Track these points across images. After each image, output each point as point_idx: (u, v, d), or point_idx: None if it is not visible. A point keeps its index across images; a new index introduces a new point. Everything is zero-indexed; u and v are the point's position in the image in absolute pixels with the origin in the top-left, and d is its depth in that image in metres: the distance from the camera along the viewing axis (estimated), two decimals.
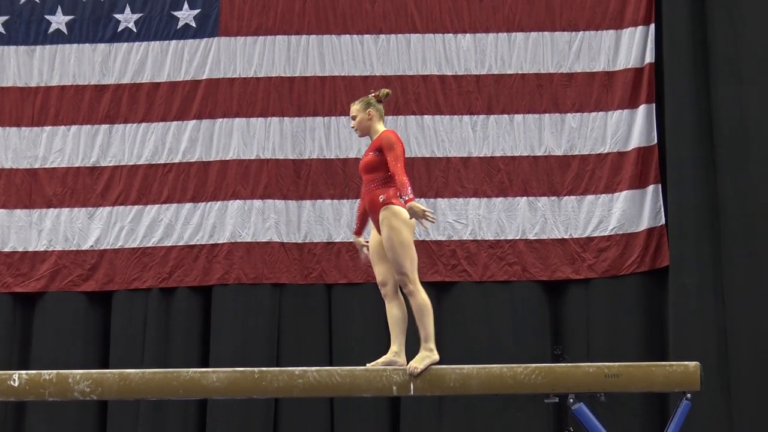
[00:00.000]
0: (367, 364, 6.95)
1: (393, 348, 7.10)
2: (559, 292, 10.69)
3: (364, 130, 7.33)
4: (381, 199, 7.07)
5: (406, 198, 6.84)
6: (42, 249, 10.88)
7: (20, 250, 10.90)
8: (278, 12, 11.10)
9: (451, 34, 11.00)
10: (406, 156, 10.49)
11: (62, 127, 11.09)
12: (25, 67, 11.20)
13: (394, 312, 7.23)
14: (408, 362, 6.94)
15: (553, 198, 10.74)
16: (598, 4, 10.92)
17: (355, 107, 7.34)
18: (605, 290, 10.57)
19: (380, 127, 7.28)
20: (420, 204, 6.83)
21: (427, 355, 6.89)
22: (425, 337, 6.97)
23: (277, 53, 11.06)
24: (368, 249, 7.31)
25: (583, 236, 10.66)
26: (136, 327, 10.72)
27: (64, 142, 11.05)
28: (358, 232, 7.47)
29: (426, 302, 7.01)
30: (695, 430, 9.37)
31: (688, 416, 6.55)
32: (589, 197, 10.70)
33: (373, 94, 7.37)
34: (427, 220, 6.83)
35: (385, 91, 7.44)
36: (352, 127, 7.36)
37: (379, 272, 7.24)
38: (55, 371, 6.69)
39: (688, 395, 6.50)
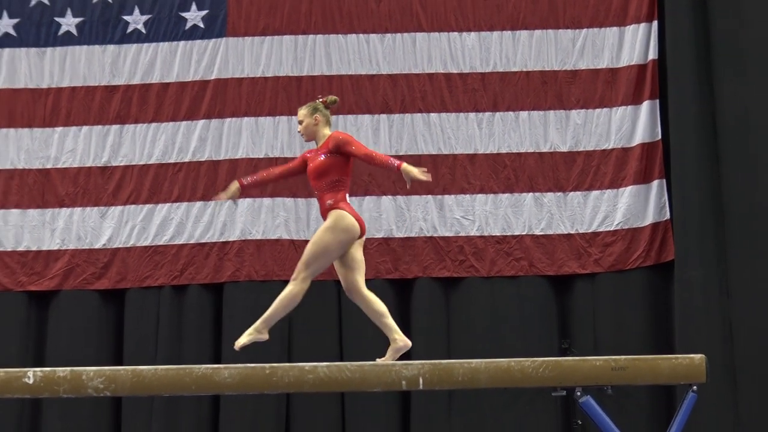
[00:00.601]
0: (378, 360, 6.95)
1: (393, 336, 7.25)
2: (566, 287, 10.66)
3: (310, 135, 7.41)
4: (328, 204, 7.18)
5: (396, 163, 6.96)
6: (55, 248, 10.88)
7: (34, 249, 10.89)
8: (285, 12, 11.08)
9: (456, 33, 10.98)
10: (412, 153, 10.56)
11: (73, 127, 11.08)
12: (36, 68, 11.19)
13: (371, 309, 7.32)
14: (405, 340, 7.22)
15: (558, 194, 10.72)
16: (601, 2, 10.90)
17: (302, 112, 7.44)
18: (611, 284, 10.54)
19: (326, 132, 7.35)
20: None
21: (254, 330, 7.22)
22: (266, 316, 7.25)
23: (284, 53, 11.05)
24: (234, 198, 7.54)
25: (589, 231, 10.63)
26: (148, 324, 10.72)
27: (75, 143, 11.04)
28: (243, 184, 7.50)
29: (294, 295, 7.15)
30: (702, 422, 9.35)
31: (694, 408, 6.50)
32: (595, 193, 10.67)
33: (320, 100, 7.44)
34: (424, 177, 6.91)
35: (332, 97, 7.52)
36: (299, 132, 7.45)
37: (342, 279, 7.32)
38: (69, 368, 6.64)
39: (694, 387, 6.45)
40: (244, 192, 7.58)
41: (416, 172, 6.90)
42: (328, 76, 10.99)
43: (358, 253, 7.31)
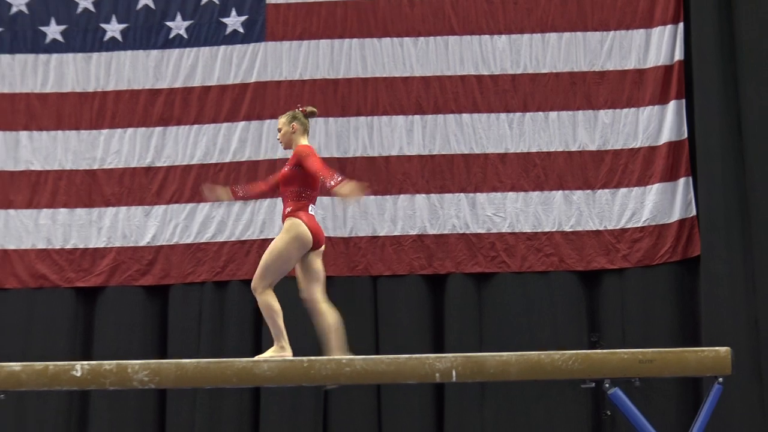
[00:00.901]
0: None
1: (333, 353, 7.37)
2: (595, 282, 10.67)
3: (288, 143, 7.56)
4: (287, 212, 7.30)
5: (331, 183, 7.01)
6: (102, 246, 10.98)
7: (81, 247, 11.00)
8: (322, 17, 11.13)
9: (487, 36, 11.00)
10: (445, 153, 10.58)
11: (119, 129, 11.17)
12: (83, 73, 11.28)
13: (321, 322, 7.54)
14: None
15: (587, 191, 10.72)
16: (628, 5, 10.89)
17: (282, 120, 7.61)
18: (639, 279, 10.54)
19: (302, 141, 7.47)
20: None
21: (276, 350, 7.35)
22: (274, 335, 7.38)
23: (321, 56, 11.09)
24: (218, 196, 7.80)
25: (617, 228, 10.64)
26: (191, 319, 10.79)
27: (120, 144, 11.14)
28: (235, 192, 7.80)
29: (268, 305, 7.33)
30: (728, 413, 9.35)
31: (720, 400, 6.51)
32: (623, 190, 10.68)
33: (300, 109, 7.56)
34: (356, 195, 7.10)
35: (310, 108, 7.67)
36: (278, 139, 7.62)
37: (301, 287, 7.53)
38: (115, 362, 6.72)
39: (720, 379, 6.45)
40: (234, 198, 7.75)
41: (347, 190, 6.97)
42: (363, 78, 11.04)
43: (316, 263, 7.44)
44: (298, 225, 7.25)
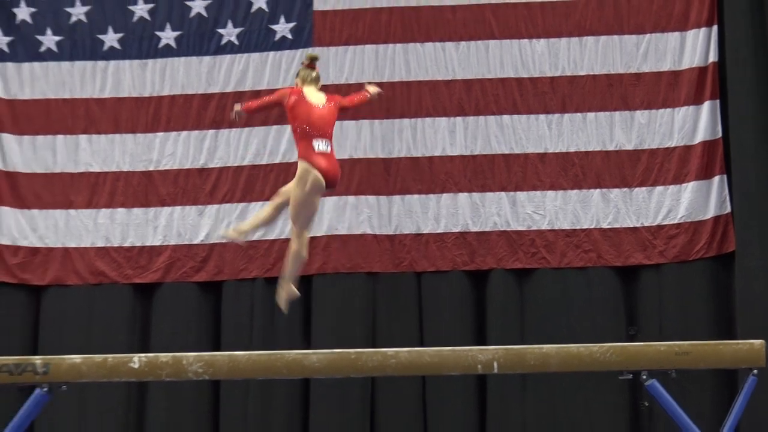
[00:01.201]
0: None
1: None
2: (632, 277, 10.68)
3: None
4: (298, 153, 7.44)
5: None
6: (158, 244, 11.10)
7: (138, 245, 11.13)
8: (367, 23, 11.20)
9: (526, 40, 11.03)
10: (486, 153, 10.61)
11: (173, 132, 11.29)
12: (139, 79, 11.41)
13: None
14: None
15: (624, 189, 10.74)
16: (663, 9, 10.88)
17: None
18: (675, 274, 10.55)
19: (307, 87, 7.61)
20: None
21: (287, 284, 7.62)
22: (288, 274, 7.66)
23: (366, 61, 11.16)
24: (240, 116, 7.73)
25: (654, 224, 10.65)
26: (243, 313, 10.89)
27: (175, 146, 11.26)
28: (248, 108, 7.78)
29: (296, 252, 7.54)
30: (763, 405, 9.30)
31: (755, 391, 6.52)
32: (659, 188, 10.68)
33: (303, 64, 7.79)
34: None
35: (309, 54, 7.85)
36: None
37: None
38: (170, 354, 6.79)
39: (755, 371, 6.47)
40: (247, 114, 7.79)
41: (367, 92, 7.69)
42: (407, 81, 11.10)
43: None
44: (306, 171, 7.32)
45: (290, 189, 7.47)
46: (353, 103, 7.90)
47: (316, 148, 7.35)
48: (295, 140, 7.50)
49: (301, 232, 7.43)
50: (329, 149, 7.42)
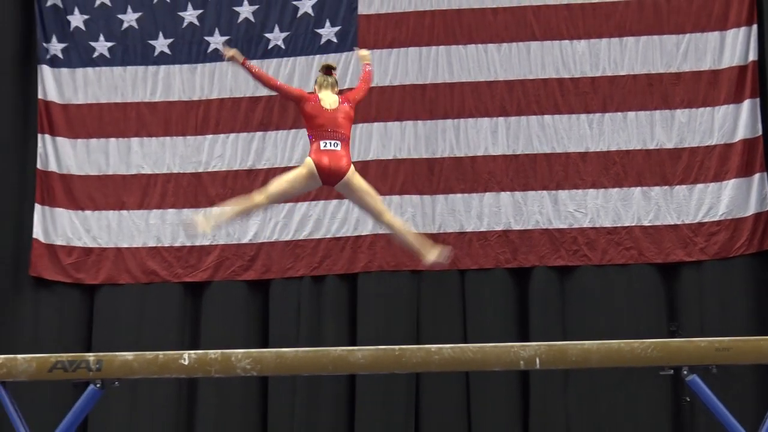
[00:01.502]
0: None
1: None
2: (673, 274, 10.59)
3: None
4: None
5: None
6: (207, 243, 11.13)
7: (188, 244, 11.17)
8: (410, 26, 11.18)
9: (567, 41, 10.97)
10: (528, 153, 10.56)
11: (222, 135, 11.33)
12: (189, 83, 11.46)
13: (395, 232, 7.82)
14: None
15: (665, 187, 10.65)
16: (703, 8, 10.78)
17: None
18: (716, 271, 10.45)
19: (322, 92, 7.69)
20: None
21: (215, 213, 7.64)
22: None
23: (410, 63, 11.14)
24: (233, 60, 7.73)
25: (695, 222, 10.55)
26: (290, 311, 10.90)
27: (224, 148, 11.29)
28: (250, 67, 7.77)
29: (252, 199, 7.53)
30: None
31: None
32: (699, 186, 10.58)
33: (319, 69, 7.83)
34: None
35: (323, 64, 7.93)
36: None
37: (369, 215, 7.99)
38: (219, 351, 6.79)
39: None
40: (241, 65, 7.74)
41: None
42: (450, 83, 11.07)
43: (354, 188, 7.61)
44: (306, 163, 7.48)
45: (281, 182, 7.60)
46: (362, 89, 7.93)
47: (322, 146, 7.49)
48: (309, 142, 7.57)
49: (266, 198, 7.52)
50: (338, 148, 7.51)
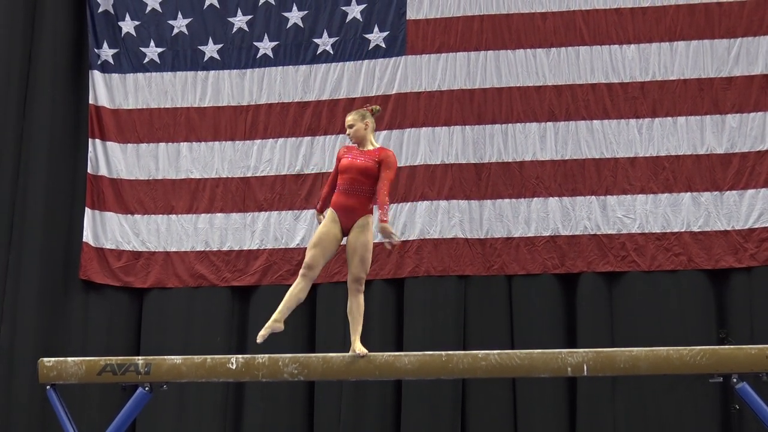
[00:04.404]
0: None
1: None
2: (723, 280, 10.50)
3: (361, 139, 7.41)
4: (369, 207, 7.26)
5: (384, 218, 7.02)
6: (255, 248, 11.22)
7: (236, 249, 11.26)
8: (459, 31, 11.20)
9: (616, 45, 10.93)
10: (577, 158, 10.53)
11: (270, 139, 11.41)
12: (238, 88, 11.56)
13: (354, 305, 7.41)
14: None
15: (715, 193, 10.57)
16: (755, 12, 10.70)
17: (353, 117, 7.45)
18: (766, 277, 10.34)
19: (372, 138, 7.40)
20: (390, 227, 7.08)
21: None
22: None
23: (458, 68, 11.15)
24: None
25: (745, 228, 10.46)
26: (337, 315, 10.85)
27: (272, 153, 11.37)
28: (321, 210, 7.59)
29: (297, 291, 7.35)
30: None
31: None
32: (750, 191, 10.49)
33: (367, 108, 7.46)
34: (392, 242, 7.16)
35: (377, 107, 7.56)
36: (348, 135, 7.45)
37: (350, 269, 7.43)
38: (267, 355, 6.87)
39: None
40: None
41: (389, 234, 7.09)
42: (498, 88, 11.07)
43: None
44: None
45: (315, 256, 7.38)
46: (379, 195, 7.31)
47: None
48: (370, 193, 7.30)
49: (307, 271, 7.35)
50: (353, 192, 7.29)
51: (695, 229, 10.53)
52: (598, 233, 10.66)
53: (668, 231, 10.58)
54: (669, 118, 10.75)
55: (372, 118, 7.46)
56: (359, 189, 7.26)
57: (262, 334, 7.15)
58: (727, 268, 10.43)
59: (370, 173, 7.24)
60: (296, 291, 7.37)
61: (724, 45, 10.78)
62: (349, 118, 7.46)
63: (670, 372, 6.60)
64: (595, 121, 10.86)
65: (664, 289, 10.48)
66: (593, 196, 10.74)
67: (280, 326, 7.25)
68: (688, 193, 10.60)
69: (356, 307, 7.36)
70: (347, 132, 7.44)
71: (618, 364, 6.56)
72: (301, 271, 7.39)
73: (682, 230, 10.55)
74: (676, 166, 10.67)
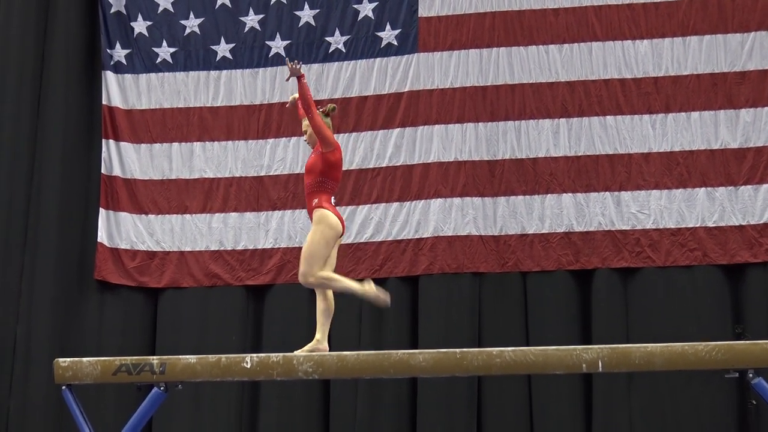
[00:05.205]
0: (295, 352, 7.04)
1: (317, 336, 7.32)
2: (739, 275, 10.44)
3: (313, 142, 7.43)
4: (314, 203, 7.23)
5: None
6: (269, 246, 11.24)
7: (251, 248, 11.28)
8: (470, 28, 11.18)
9: (629, 41, 10.89)
10: (590, 154, 10.48)
11: (283, 138, 11.42)
12: (250, 87, 11.57)
13: (323, 305, 7.43)
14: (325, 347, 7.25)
15: (730, 188, 10.52)
16: None
17: (306, 122, 7.44)
18: None
19: None
20: None
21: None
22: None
23: (470, 65, 11.14)
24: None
25: (760, 222, 10.41)
26: (352, 313, 10.88)
27: (285, 152, 11.37)
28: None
29: (325, 276, 7.27)
30: None
31: None
32: (765, 186, 10.44)
33: (321, 110, 7.42)
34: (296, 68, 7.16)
35: (332, 106, 7.55)
36: (305, 140, 7.52)
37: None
38: (281, 354, 6.83)
39: None
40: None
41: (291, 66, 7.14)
42: (511, 84, 11.04)
43: (334, 251, 7.37)
44: (328, 215, 7.20)
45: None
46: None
47: (332, 201, 7.34)
48: (316, 188, 7.28)
49: (321, 271, 7.24)
50: (306, 194, 7.38)
51: (710, 224, 10.49)
52: (613, 229, 10.64)
53: (683, 226, 10.54)
54: (683, 113, 10.71)
55: (326, 118, 7.42)
56: (307, 188, 7.32)
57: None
58: (742, 263, 10.38)
59: (310, 169, 7.29)
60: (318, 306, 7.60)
61: (737, 39, 10.72)
62: (303, 125, 7.50)
63: (685, 368, 6.54)
64: (608, 117, 10.83)
65: (679, 284, 10.44)
66: (607, 192, 10.71)
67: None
68: (703, 189, 10.56)
69: (321, 304, 7.45)
70: (304, 138, 7.55)
71: (633, 360, 6.50)
72: None
73: (697, 225, 10.51)
74: (690, 161, 10.63)
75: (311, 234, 7.25)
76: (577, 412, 10.45)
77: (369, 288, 7.36)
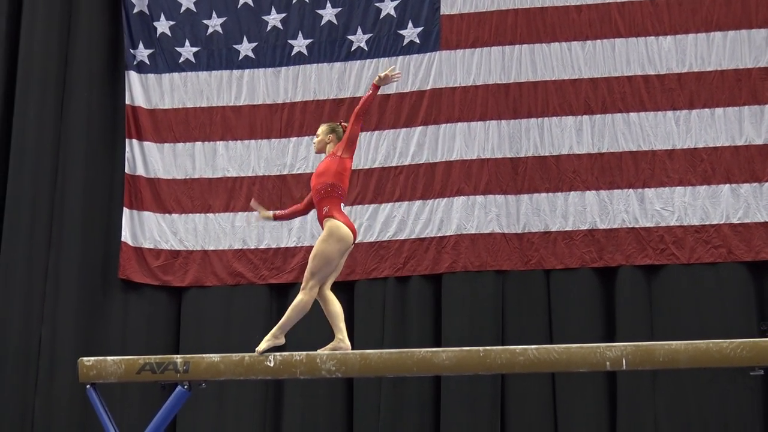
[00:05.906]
0: (318, 350, 7.09)
1: (339, 336, 7.29)
2: (764, 272, 10.39)
3: (321, 149, 7.53)
4: (324, 211, 7.25)
5: (370, 90, 7.27)
6: (292, 245, 11.26)
7: (274, 246, 11.31)
8: (493, 25, 11.16)
9: (653, 37, 10.85)
10: (614, 151, 10.44)
11: (306, 137, 11.42)
12: (273, 86, 11.59)
13: (329, 308, 7.41)
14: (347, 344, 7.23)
15: (754, 184, 10.46)
16: None
17: (322, 128, 7.53)
18: None
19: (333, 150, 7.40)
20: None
21: (272, 336, 7.25)
22: (281, 324, 7.35)
23: (493, 63, 11.12)
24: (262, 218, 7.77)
25: None
26: (375, 312, 10.94)
27: (308, 151, 11.38)
28: (277, 216, 7.87)
29: (304, 304, 7.29)
30: None
31: None
32: None
33: (341, 124, 7.52)
34: (393, 76, 7.28)
35: (346, 124, 7.49)
36: (313, 144, 7.60)
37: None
38: (305, 353, 6.89)
39: None
40: (274, 219, 7.91)
41: (386, 72, 7.26)
42: (534, 82, 11.02)
43: (342, 259, 7.35)
44: (339, 227, 7.20)
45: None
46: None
47: (342, 208, 7.35)
48: (327, 194, 7.31)
49: (314, 286, 7.26)
50: (316, 202, 7.44)
51: (735, 220, 10.43)
52: (637, 226, 10.60)
53: (707, 223, 10.49)
54: (706, 110, 10.66)
55: (342, 133, 7.45)
56: (317, 193, 7.33)
57: (260, 348, 7.18)
58: (767, 260, 10.33)
59: (322, 172, 7.33)
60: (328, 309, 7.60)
61: (761, 35, 10.66)
62: (319, 129, 7.58)
63: (710, 365, 6.54)
64: (631, 114, 10.79)
65: (703, 282, 10.39)
66: (631, 189, 10.67)
67: (281, 341, 7.39)
68: (727, 185, 10.50)
69: (327, 308, 7.43)
70: (313, 141, 7.61)
71: (657, 357, 6.50)
72: None
73: (722, 222, 10.46)
74: (714, 157, 10.58)
75: (319, 246, 7.24)
76: (602, 410, 10.42)
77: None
